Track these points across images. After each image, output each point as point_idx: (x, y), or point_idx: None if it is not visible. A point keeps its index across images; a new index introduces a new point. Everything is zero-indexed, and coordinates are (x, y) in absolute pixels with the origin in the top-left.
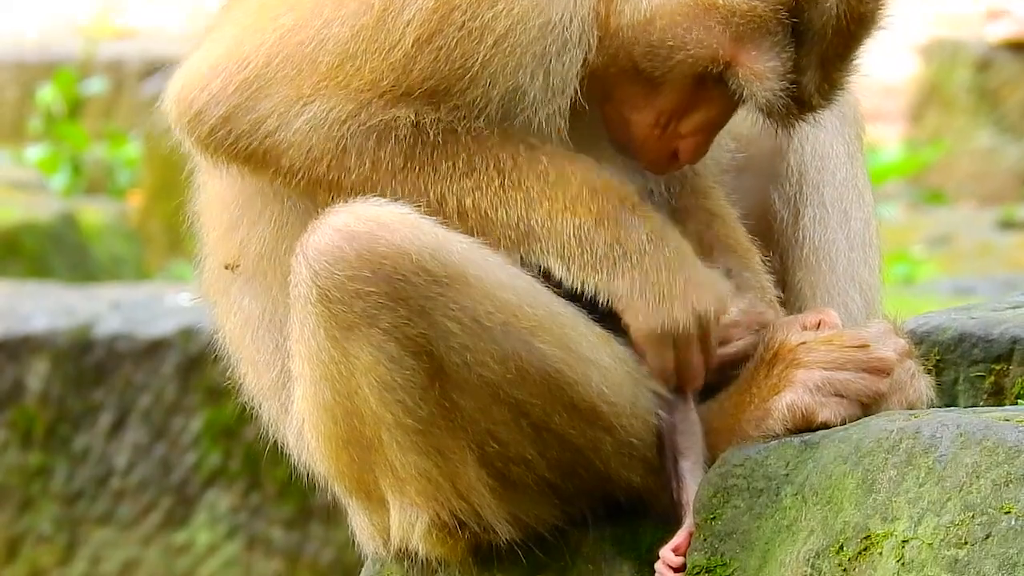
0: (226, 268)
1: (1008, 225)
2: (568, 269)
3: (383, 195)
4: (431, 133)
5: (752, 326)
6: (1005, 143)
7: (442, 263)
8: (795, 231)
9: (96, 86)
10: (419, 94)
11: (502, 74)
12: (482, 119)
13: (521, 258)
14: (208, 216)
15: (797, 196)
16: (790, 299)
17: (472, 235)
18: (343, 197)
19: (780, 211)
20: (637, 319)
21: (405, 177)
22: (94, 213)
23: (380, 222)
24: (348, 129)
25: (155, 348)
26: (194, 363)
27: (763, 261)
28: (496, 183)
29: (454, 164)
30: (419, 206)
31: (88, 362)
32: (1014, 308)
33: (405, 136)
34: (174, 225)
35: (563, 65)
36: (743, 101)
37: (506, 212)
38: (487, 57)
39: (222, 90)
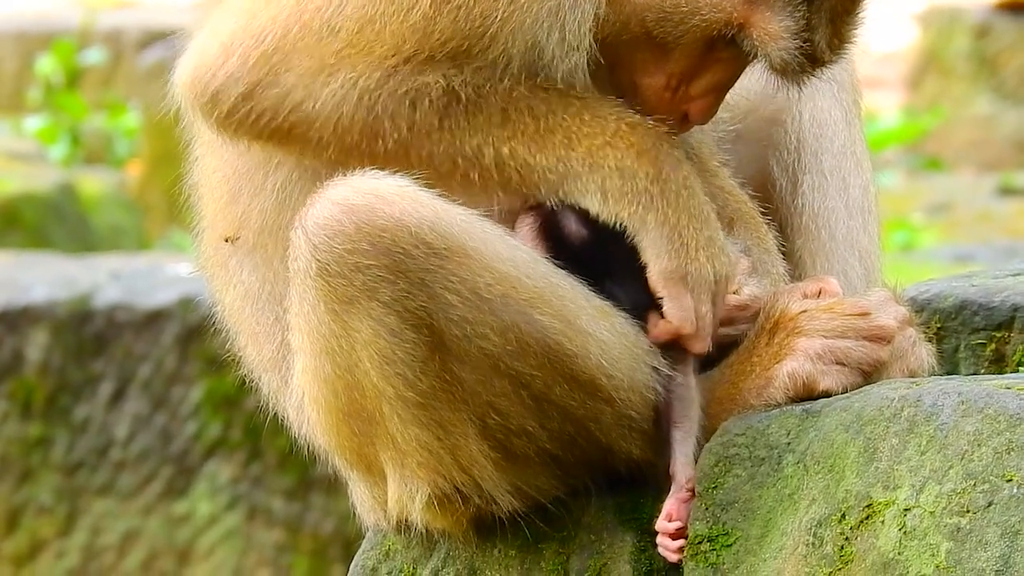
0: (226, 241)
1: (1007, 192)
2: (606, 202)
3: (418, 156)
4: (463, 94)
5: (757, 315)
6: (1004, 110)
7: (441, 235)
8: (794, 199)
9: (95, 56)
10: (442, 57)
11: (520, 30)
12: (507, 79)
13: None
14: (207, 188)
15: (795, 164)
16: (790, 267)
17: (510, 183)
18: (376, 163)
19: (779, 179)
20: (660, 258)
21: (440, 136)
22: (93, 183)
23: (379, 195)
24: (379, 97)
25: (155, 318)
26: (194, 333)
27: (780, 247)
28: (532, 128)
29: (488, 117)
30: (456, 161)
31: (88, 332)
32: (1015, 275)
33: (438, 98)
34: (174, 195)
35: (576, 20)
36: (756, 61)
37: (545, 155)
38: (505, 14)
39: (240, 67)
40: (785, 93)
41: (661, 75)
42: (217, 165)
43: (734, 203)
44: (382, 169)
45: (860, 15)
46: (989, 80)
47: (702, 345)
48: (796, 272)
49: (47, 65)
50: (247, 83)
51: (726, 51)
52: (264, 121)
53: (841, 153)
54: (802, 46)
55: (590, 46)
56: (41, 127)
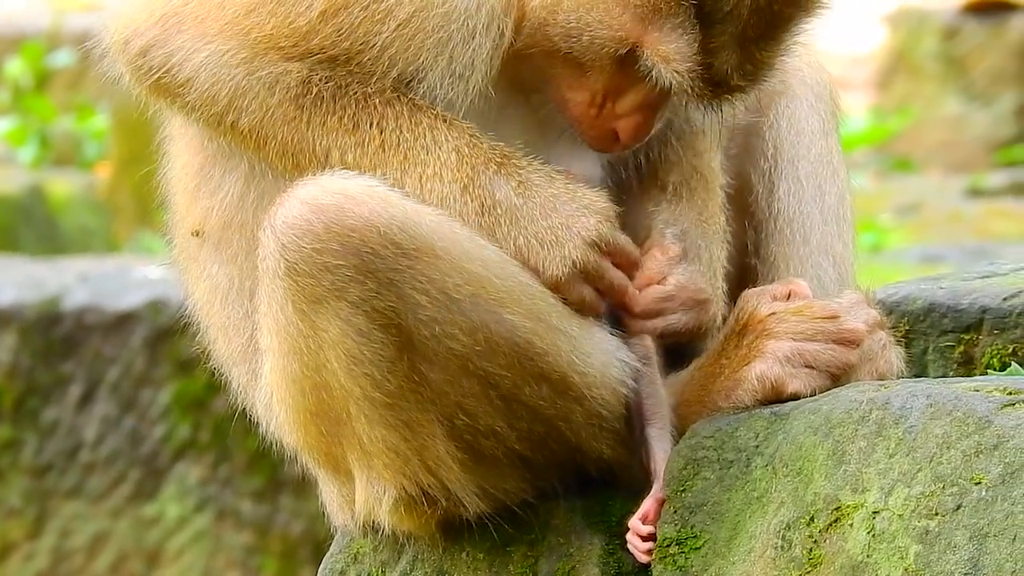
0: (193, 235)
1: (976, 193)
2: None
3: (276, 143)
4: (321, 88)
5: (687, 303)
6: (973, 111)
7: (410, 236)
8: (770, 204)
9: (63, 58)
10: (315, 58)
11: (402, 57)
12: (372, 85)
13: None
14: (176, 184)
15: (772, 170)
16: (764, 271)
17: None
18: (243, 142)
19: (755, 185)
20: (538, 273)
21: (295, 127)
22: (62, 185)
23: (348, 195)
24: (240, 73)
25: (124, 320)
26: (163, 335)
27: (727, 233)
28: (376, 142)
29: (340, 119)
30: (308, 158)
31: (56, 335)
32: (983, 278)
33: (295, 87)
34: (142, 197)
35: (468, 52)
36: (656, 83)
37: (384, 174)
38: (388, 39)
39: (144, 23)
40: (705, 115)
41: (585, 91)
42: (186, 160)
43: (696, 183)
44: (250, 151)
45: (780, 39)
46: (958, 81)
47: (629, 302)
48: (770, 276)
49: (16, 67)
50: (146, 39)
51: (641, 70)
52: (154, 77)
53: (818, 161)
54: (698, 70)
55: (486, 74)
56: (10, 129)
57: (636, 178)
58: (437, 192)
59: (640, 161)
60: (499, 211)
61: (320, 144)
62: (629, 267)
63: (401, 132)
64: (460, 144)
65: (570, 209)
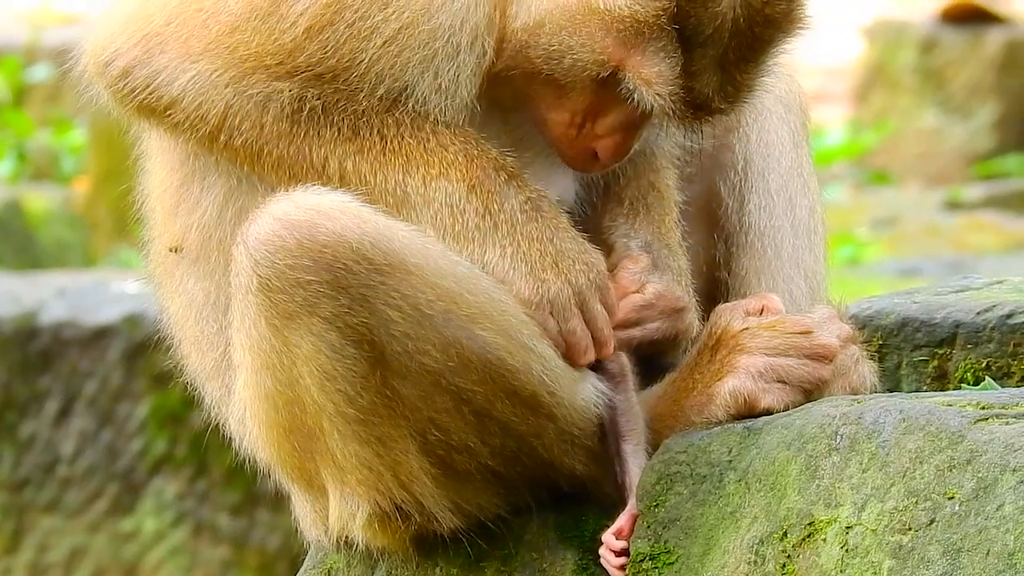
0: (170, 251)
1: (954, 206)
2: (443, 239)
3: (271, 157)
4: (315, 105)
5: (666, 311)
6: (950, 123)
7: (383, 251)
8: (740, 218)
9: (41, 73)
10: (303, 75)
11: (389, 73)
12: (365, 100)
13: None
14: (155, 199)
15: (742, 184)
16: (735, 285)
17: None
18: (236, 158)
19: (726, 199)
20: (513, 289)
21: (291, 141)
22: (39, 200)
23: (320, 210)
24: (229, 92)
25: (101, 335)
26: (140, 350)
27: (683, 247)
28: (378, 147)
29: (339, 129)
30: (304, 169)
31: (34, 349)
32: (957, 292)
33: (288, 104)
34: (120, 211)
35: (453, 69)
36: (637, 105)
37: (384, 177)
38: (374, 56)
39: (125, 43)
40: (686, 135)
41: (565, 111)
42: (163, 176)
43: (652, 198)
44: (244, 166)
45: (759, 62)
46: (935, 94)
47: (584, 359)
48: (741, 290)
49: None
50: (128, 59)
51: (621, 91)
52: (138, 97)
53: (788, 174)
54: (680, 92)
55: (472, 90)
56: None
57: (597, 194)
58: (442, 190)
59: (598, 177)
60: (501, 218)
61: (317, 155)
62: (593, 331)
63: (403, 137)
64: (468, 147)
65: (566, 248)
